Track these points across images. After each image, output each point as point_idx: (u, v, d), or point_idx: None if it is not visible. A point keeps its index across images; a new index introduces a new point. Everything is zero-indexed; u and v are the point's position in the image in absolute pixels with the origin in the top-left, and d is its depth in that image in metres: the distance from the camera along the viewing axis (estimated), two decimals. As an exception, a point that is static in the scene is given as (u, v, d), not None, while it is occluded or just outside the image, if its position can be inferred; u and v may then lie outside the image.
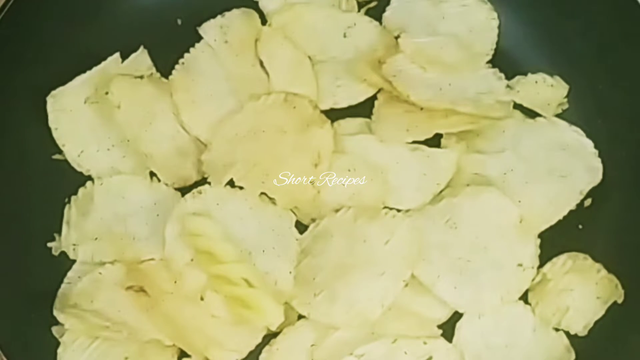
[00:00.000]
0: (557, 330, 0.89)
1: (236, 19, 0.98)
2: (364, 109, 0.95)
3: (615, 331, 0.88)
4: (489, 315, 0.88)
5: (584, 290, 0.89)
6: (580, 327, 0.88)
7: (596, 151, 0.93)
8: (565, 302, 0.89)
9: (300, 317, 0.88)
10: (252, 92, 0.94)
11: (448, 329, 0.88)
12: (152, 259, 0.89)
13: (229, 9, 0.98)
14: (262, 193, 0.91)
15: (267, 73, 0.96)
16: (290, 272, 0.88)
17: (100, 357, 0.86)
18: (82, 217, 0.91)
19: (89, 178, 0.92)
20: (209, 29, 0.97)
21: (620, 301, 0.88)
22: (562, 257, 0.90)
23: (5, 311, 0.86)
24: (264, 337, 0.87)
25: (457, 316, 0.89)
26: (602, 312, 0.89)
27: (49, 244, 0.91)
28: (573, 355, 0.88)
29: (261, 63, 0.96)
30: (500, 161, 0.93)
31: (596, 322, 0.89)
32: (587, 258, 0.90)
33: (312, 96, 0.94)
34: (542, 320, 0.89)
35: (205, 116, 0.93)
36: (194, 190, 0.90)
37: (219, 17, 0.97)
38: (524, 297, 0.89)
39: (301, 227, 0.91)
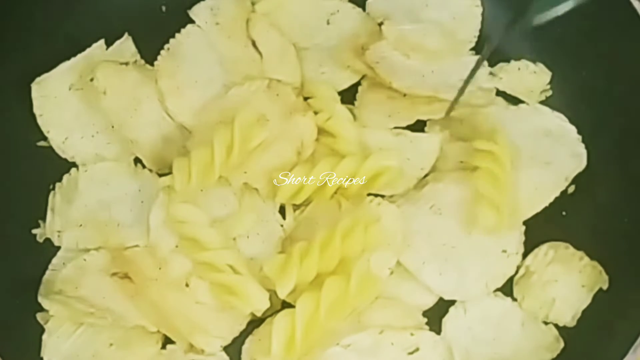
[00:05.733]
0: (546, 323, 0.88)
1: (226, 0, 0.97)
2: (347, 95, 0.95)
3: (603, 318, 0.87)
4: (476, 310, 0.88)
5: (568, 280, 0.88)
6: (568, 318, 0.88)
7: (580, 137, 0.93)
8: (550, 294, 0.88)
9: (284, 304, 0.87)
10: (246, 74, 0.94)
11: (435, 321, 0.88)
12: (137, 246, 0.89)
13: (214, -6, 0.97)
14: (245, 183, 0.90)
15: (260, 53, 0.96)
16: (275, 258, 0.88)
17: (85, 343, 0.85)
18: (67, 204, 0.91)
19: (74, 165, 0.93)
20: (199, 11, 0.97)
21: (605, 287, 0.88)
22: (544, 248, 0.90)
23: (-10, 298, 0.86)
24: (248, 324, 0.87)
25: (442, 306, 0.88)
26: (588, 301, 0.88)
27: (34, 231, 0.90)
28: (562, 344, 0.87)
29: (253, 43, 0.96)
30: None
31: (583, 311, 0.88)
32: (568, 247, 0.90)
33: (296, 83, 0.94)
34: (530, 315, 0.88)
35: (190, 102, 0.93)
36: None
37: (208, -1, 0.97)
38: (510, 293, 0.89)
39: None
